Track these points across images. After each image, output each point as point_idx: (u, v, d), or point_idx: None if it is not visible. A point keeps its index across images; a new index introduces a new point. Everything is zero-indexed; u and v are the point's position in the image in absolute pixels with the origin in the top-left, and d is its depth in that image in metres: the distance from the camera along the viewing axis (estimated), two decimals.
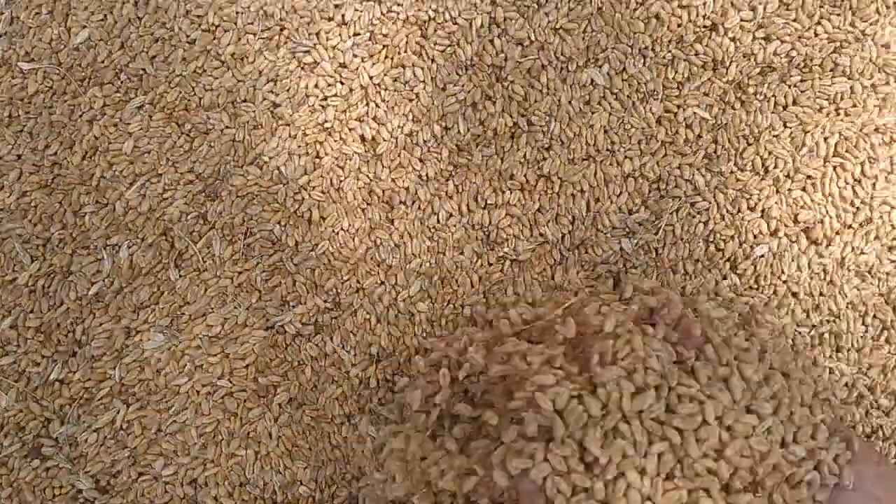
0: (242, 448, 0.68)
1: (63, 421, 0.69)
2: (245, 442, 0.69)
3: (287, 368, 0.69)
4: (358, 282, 0.68)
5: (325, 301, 0.69)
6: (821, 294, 0.69)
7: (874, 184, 0.69)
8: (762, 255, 0.68)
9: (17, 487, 0.68)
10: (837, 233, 0.69)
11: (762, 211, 0.69)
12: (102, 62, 0.71)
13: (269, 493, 0.69)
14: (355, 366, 0.68)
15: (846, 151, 0.69)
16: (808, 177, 0.69)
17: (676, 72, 0.69)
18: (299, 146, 0.69)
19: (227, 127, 0.69)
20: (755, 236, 0.68)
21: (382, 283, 0.69)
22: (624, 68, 0.69)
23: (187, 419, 0.68)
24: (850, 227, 0.69)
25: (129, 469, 0.68)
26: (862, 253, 0.69)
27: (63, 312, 0.70)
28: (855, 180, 0.69)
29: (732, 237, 0.68)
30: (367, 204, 0.70)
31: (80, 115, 0.71)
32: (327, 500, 0.69)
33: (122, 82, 0.71)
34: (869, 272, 0.69)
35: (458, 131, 0.69)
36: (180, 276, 0.69)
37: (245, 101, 0.69)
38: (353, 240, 0.69)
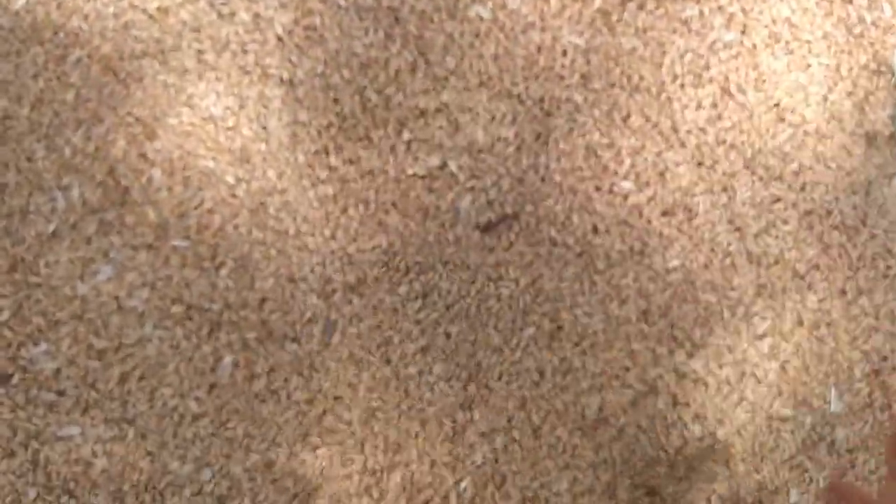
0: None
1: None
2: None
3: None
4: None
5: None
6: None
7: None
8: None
9: None
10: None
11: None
12: (41, 23, 0.79)
13: None
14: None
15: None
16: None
17: (550, 5, 0.79)
18: (225, 88, 0.78)
19: (158, 73, 0.78)
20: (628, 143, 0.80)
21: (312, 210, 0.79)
22: (505, 4, 0.79)
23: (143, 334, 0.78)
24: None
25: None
26: None
27: (26, 249, 0.78)
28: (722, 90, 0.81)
29: (608, 146, 0.80)
30: (297, 143, 0.79)
31: (25, 72, 0.79)
32: None
33: (60, 39, 0.79)
34: None
35: (366, 74, 0.79)
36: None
37: (172, 49, 0.78)
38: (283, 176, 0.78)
